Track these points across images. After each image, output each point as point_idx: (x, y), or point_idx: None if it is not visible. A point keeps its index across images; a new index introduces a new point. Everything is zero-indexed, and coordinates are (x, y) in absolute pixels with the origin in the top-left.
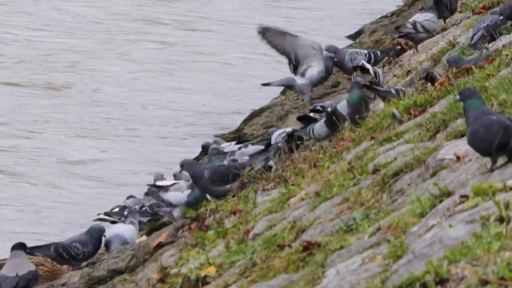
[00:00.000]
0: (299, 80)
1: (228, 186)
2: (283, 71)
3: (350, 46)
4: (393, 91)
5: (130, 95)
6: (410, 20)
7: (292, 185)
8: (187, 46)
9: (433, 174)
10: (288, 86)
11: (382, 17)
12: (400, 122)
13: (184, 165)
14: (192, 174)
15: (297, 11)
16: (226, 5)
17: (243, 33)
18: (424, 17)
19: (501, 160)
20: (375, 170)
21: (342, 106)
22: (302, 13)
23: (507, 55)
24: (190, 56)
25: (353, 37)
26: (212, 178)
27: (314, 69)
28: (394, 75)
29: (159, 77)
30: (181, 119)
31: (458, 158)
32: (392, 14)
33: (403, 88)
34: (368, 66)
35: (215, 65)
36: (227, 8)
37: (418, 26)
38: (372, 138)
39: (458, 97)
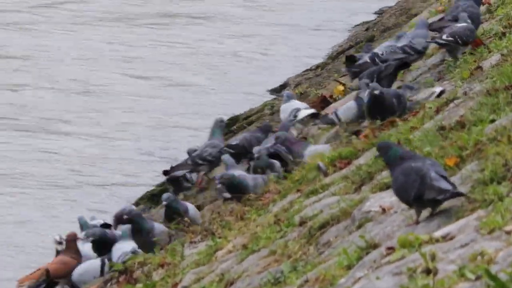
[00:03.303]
0: None
1: None
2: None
3: (275, 99)
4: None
5: None
6: None
7: (219, 237)
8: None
9: (359, 226)
10: None
11: (307, 70)
12: (326, 174)
13: None
14: None
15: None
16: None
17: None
18: None
19: (426, 212)
20: (302, 223)
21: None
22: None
23: (430, 107)
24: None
25: (278, 90)
26: None
27: None
28: (319, 128)
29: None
30: None
31: (383, 210)
32: (317, 67)
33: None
34: None
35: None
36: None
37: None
38: (298, 190)
39: (377, 153)
